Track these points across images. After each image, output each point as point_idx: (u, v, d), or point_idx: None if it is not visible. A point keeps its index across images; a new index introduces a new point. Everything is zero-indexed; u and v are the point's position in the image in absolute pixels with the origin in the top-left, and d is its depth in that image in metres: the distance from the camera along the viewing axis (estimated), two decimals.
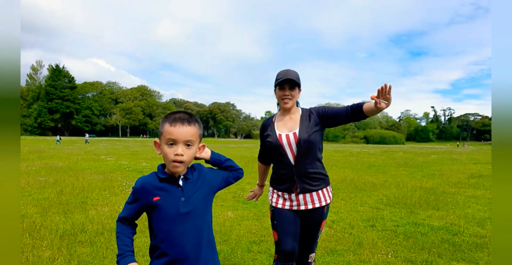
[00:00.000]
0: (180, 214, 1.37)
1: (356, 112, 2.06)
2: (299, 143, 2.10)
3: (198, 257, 1.39)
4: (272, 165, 2.33)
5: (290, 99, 2.17)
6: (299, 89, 2.22)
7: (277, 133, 2.18)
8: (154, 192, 1.39)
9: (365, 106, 2.03)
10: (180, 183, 1.41)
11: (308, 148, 2.11)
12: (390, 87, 1.80)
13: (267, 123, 2.31)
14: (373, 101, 1.91)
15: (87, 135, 41.15)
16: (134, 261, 1.34)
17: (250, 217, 4.84)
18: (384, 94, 1.82)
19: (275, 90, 2.24)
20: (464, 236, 4.09)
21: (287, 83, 2.15)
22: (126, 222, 1.45)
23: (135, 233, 1.47)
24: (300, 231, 2.20)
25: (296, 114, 2.24)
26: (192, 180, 1.45)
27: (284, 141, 2.13)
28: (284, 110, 2.24)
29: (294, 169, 2.12)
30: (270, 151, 2.23)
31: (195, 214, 1.41)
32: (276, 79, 2.19)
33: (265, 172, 2.53)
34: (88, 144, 32.84)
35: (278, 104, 2.34)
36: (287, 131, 2.17)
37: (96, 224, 4.26)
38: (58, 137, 34.54)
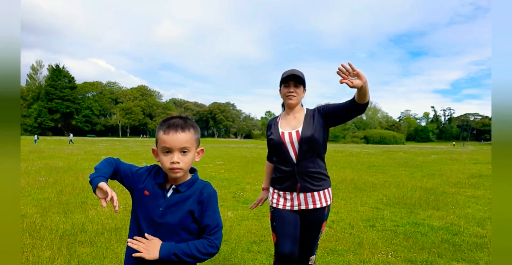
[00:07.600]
0: (154, 222, 1.34)
1: (352, 103, 2.07)
2: (301, 141, 2.11)
3: None
4: (273, 165, 2.32)
5: (294, 96, 2.18)
6: (304, 89, 2.23)
7: (280, 130, 2.20)
8: (149, 186, 1.39)
9: (355, 95, 2.08)
10: (169, 193, 1.37)
11: (310, 146, 2.12)
12: (350, 64, 1.81)
13: (272, 122, 2.33)
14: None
15: (71, 135, 41.27)
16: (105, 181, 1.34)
17: (250, 217, 4.84)
18: (349, 73, 1.83)
19: (280, 89, 2.25)
20: (464, 236, 4.09)
21: (292, 80, 2.17)
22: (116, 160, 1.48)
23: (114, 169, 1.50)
24: (301, 233, 2.18)
25: (301, 114, 2.25)
26: (182, 195, 1.37)
27: (287, 139, 2.14)
28: (289, 108, 2.25)
29: (296, 168, 2.12)
30: (273, 148, 2.23)
31: (168, 229, 1.34)
32: (281, 78, 2.21)
33: (272, 172, 2.46)
34: (72, 144, 32.26)
35: (282, 105, 2.36)
36: (290, 129, 2.18)
37: (96, 224, 4.25)
38: (36, 136, 34.39)
